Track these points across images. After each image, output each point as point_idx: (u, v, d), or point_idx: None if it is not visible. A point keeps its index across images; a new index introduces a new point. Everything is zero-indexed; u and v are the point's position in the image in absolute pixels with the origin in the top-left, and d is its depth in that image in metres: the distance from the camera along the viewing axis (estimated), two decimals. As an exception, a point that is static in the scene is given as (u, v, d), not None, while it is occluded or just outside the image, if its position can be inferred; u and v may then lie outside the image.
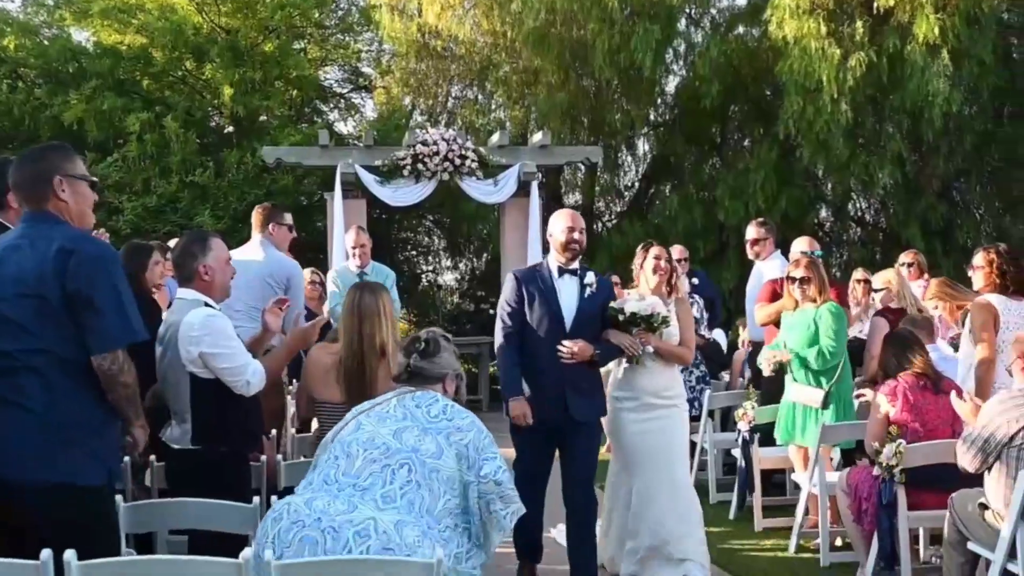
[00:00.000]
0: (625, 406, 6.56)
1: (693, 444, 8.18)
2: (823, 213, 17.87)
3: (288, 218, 8.02)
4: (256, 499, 4.26)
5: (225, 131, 17.93)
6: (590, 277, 6.33)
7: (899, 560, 5.74)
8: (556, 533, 6.95)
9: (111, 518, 4.13)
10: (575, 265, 6.35)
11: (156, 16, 16.75)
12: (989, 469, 5.19)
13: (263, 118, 17.66)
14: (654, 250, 6.80)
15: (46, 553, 3.25)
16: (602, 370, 6.48)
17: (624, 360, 6.56)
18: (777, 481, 8.35)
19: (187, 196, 15.42)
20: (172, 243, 9.45)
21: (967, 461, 5.26)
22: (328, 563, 3.48)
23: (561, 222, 6.40)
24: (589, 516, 6.29)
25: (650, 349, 6.42)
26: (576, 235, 6.33)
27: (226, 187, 15.58)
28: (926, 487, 5.75)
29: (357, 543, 3.63)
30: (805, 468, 7.18)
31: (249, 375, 4.80)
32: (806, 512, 7.16)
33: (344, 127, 20.84)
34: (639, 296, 6.52)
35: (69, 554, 3.23)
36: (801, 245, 8.69)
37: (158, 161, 15.64)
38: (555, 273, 6.30)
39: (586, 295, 6.28)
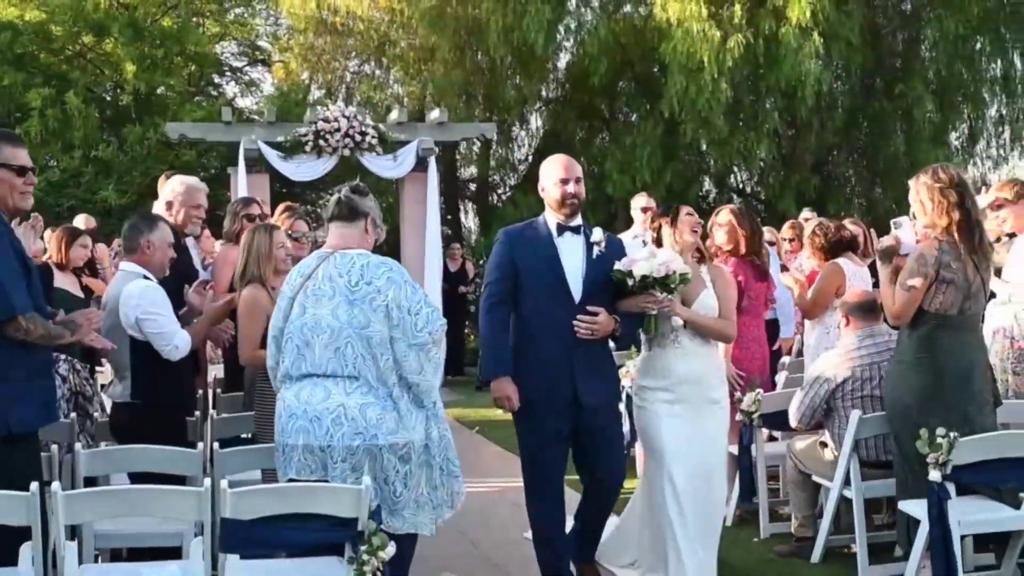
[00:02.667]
0: (656, 397, 5.45)
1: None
2: (706, 186, 18.81)
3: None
4: (200, 445, 4.89)
5: (122, 104, 18.08)
6: (597, 234, 5.37)
7: (757, 492, 6.61)
8: None
9: (15, 468, 4.25)
10: (577, 221, 5.41)
11: (56, -9, 16.95)
12: (827, 415, 6.07)
13: (160, 90, 17.90)
14: (684, 212, 5.61)
15: (34, 486, 3.85)
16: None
17: (645, 339, 5.55)
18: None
19: (90, 171, 15.71)
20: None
21: (797, 420, 6.15)
22: (272, 490, 4.17)
23: (553, 172, 5.41)
24: (610, 503, 5.66)
25: (679, 321, 5.32)
26: (572, 187, 5.33)
27: (129, 162, 15.90)
28: (780, 429, 6.64)
29: (335, 429, 4.42)
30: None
31: (177, 341, 5.42)
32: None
33: (243, 102, 21.16)
34: (649, 253, 5.30)
35: (55, 486, 3.83)
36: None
37: (60, 136, 15.86)
38: (554, 232, 5.37)
39: (594, 256, 5.33)
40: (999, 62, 17.59)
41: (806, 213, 10.22)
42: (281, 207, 7.58)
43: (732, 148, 16.74)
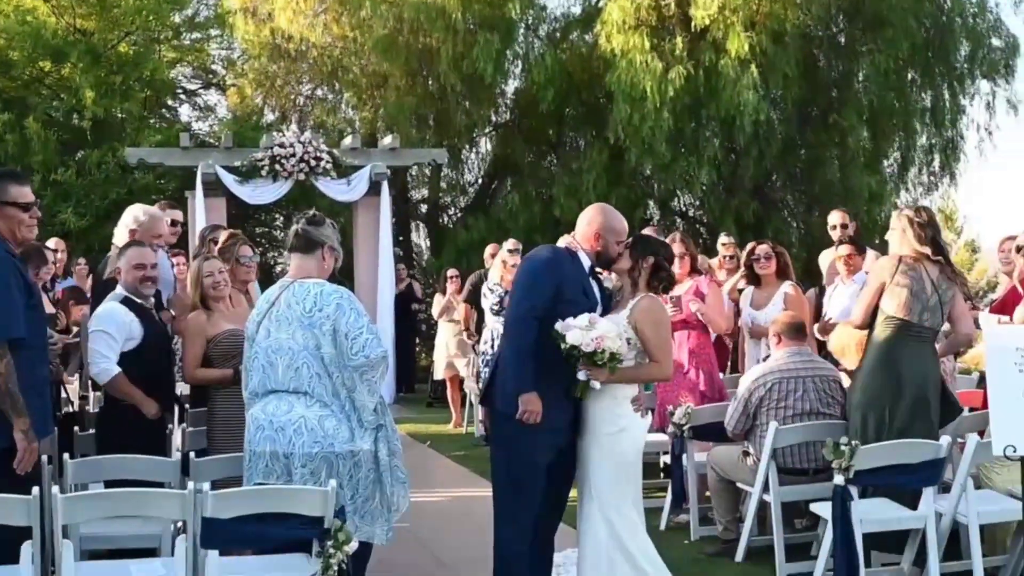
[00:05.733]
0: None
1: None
2: (650, 210, 19.39)
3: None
4: (177, 454, 5.37)
5: (79, 128, 18.35)
6: (609, 283, 5.64)
7: (687, 499, 7.19)
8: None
9: (15, 475, 4.57)
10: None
11: (15, 20, 17.21)
12: (751, 426, 6.65)
13: (117, 113, 18.20)
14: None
15: (35, 490, 4.32)
16: None
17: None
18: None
19: (49, 194, 15.97)
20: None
21: (732, 425, 6.73)
22: (245, 492, 4.67)
23: (620, 229, 5.53)
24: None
25: (596, 385, 5.25)
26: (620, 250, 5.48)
27: (88, 186, 16.21)
28: (709, 439, 7.22)
29: (297, 438, 4.95)
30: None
31: (105, 365, 5.95)
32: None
33: (197, 125, 21.46)
34: (587, 321, 5.17)
35: (55, 489, 4.29)
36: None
37: (20, 161, 16.11)
38: (586, 270, 5.52)
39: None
40: (928, 94, 18.34)
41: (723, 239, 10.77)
42: (225, 234, 8.01)
43: (675, 173, 17.40)
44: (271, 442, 5.00)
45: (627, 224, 5.61)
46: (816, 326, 7.81)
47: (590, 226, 5.50)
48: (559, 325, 5.16)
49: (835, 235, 8.79)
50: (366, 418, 5.09)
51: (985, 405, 6.91)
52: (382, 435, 5.19)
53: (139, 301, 6.12)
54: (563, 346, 5.12)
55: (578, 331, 5.09)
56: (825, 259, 9.15)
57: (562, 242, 5.67)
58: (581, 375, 5.23)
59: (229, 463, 5.43)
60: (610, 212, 5.61)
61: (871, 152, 18.22)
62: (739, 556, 6.66)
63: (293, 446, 4.95)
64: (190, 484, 4.46)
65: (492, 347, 10.18)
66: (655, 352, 5.38)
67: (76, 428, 6.57)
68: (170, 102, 21.18)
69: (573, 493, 5.60)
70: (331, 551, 4.48)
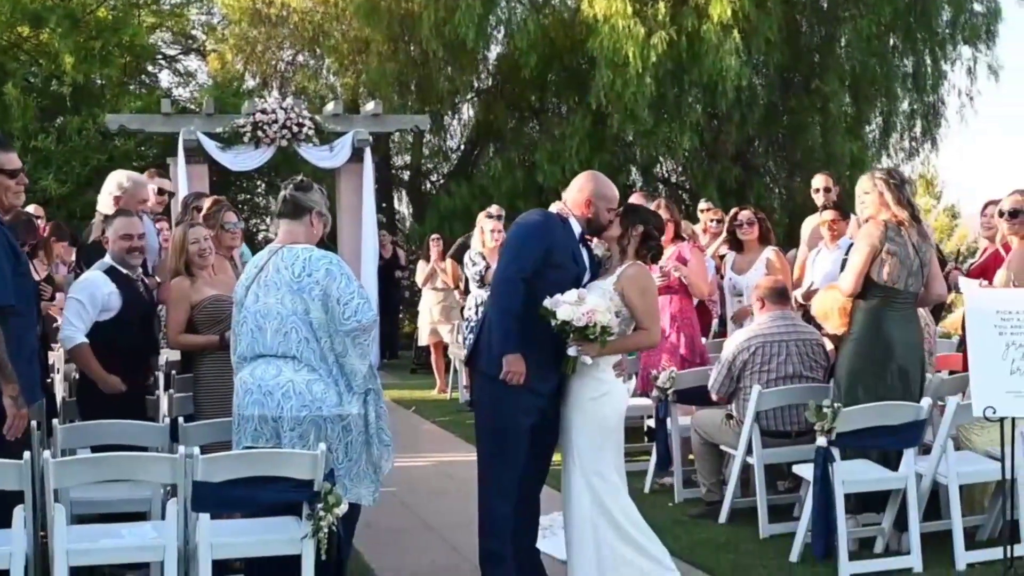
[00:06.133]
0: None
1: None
2: (632, 175, 19.42)
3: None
4: (167, 420, 5.40)
5: (58, 93, 18.23)
6: (599, 250, 5.64)
7: (672, 461, 7.27)
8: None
9: (5, 441, 4.64)
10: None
11: (-8, -16, 17.09)
12: (735, 389, 6.73)
13: (97, 79, 18.10)
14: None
15: (27, 455, 4.35)
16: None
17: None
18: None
19: (30, 161, 15.85)
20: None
21: (716, 389, 6.80)
22: (236, 455, 4.71)
23: (610, 197, 5.50)
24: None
25: (588, 360, 5.23)
26: (612, 218, 5.48)
27: (68, 152, 16.12)
28: (693, 403, 7.29)
29: (285, 402, 4.94)
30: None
31: (69, 334, 5.97)
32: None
33: (177, 92, 21.34)
34: (576, 296, 5.15)
35: (47, 454, 4.33)
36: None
37: (-1, 127, 16.05)
38: (576, 237, 5.50)
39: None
40: (910, 59, 18.44)
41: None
42: (209, 201, 7.99)
43: (657, 139, 17.41)
44: (260, 406, 5.01)
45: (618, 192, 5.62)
46: (799, 292, 7.86)
47: (581, 192, 5.49)
48: (548, 302, 5.14)
49: (818, 199, 8.78)
50: (357, 382, 5.11)
51: (965, 368, 7.03)
52: (371, 398, 5.22)
53: (125, 271, 6.13)
54: (554, 323, 5.11)
55: (568, 306, 5.08)
56: (808, 225, 9.17)
57: (553, 208, 5.67)
58: (571, 351, 5.22)
59: (217, 428, 5.46)
60: (601, 179, 5.59)
61: (853, 118, 18.36)
62: (722, 518, 6.75)
63: (282, 410, 4.96)
64: (181, 448, 4.49)
65: (477, 314, 10.26)
66: (643, 319, 5.40)
67: (64, 396, 6.58)
68: (150, 68, 21.03)
69: (557, 457, 5.65)
70: (321, 514, 4.53)
